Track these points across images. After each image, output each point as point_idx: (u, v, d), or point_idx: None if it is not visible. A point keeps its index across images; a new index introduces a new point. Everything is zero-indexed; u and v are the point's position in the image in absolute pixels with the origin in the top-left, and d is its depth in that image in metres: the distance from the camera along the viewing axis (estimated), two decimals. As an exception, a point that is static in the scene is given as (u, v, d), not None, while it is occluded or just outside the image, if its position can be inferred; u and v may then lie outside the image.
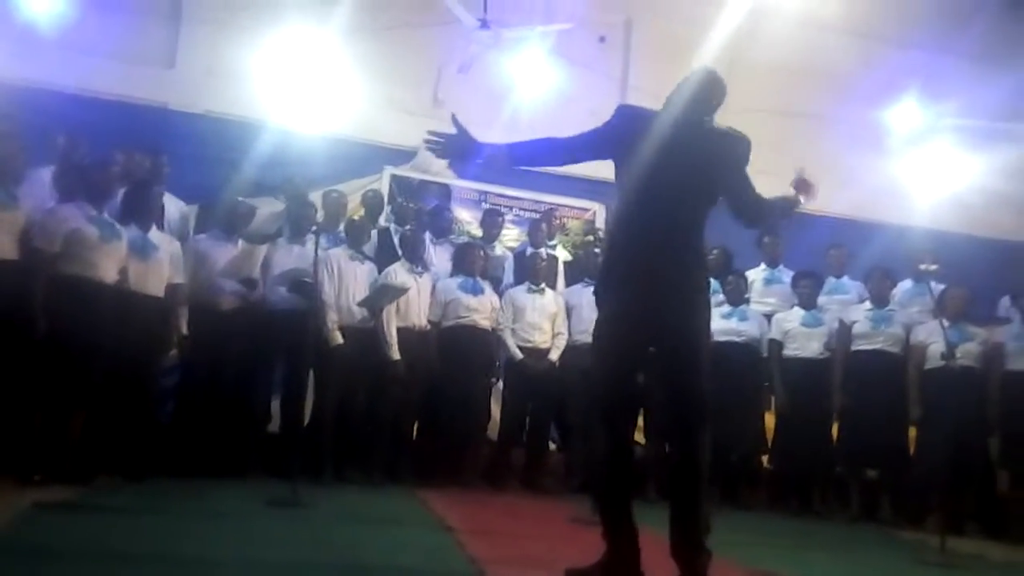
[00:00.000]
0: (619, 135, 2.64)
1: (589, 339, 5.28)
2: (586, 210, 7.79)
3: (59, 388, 3.82)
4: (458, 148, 2.65)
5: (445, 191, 7.31)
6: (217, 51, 6.72)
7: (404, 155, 7.30)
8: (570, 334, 5.61)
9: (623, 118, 2.69)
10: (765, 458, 5.60)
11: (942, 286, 5.43)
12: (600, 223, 7.47)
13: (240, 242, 5.04)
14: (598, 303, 2.74)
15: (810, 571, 3.09)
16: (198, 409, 4.71)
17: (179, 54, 6.78)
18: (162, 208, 4.88)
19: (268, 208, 5.78)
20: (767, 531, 4.65)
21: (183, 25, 6.76)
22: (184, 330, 4.61)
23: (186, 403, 4.78)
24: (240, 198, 5.31)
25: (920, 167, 6.64)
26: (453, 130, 2.65)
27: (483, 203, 7.34)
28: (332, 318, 5.03)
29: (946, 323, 5.16)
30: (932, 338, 5.21)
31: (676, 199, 2.58)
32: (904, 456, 5.28)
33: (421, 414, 5.34)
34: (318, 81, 6.68)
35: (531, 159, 2.88)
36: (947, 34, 6.72)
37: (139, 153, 5.07)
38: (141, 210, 4.36)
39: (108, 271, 4.06)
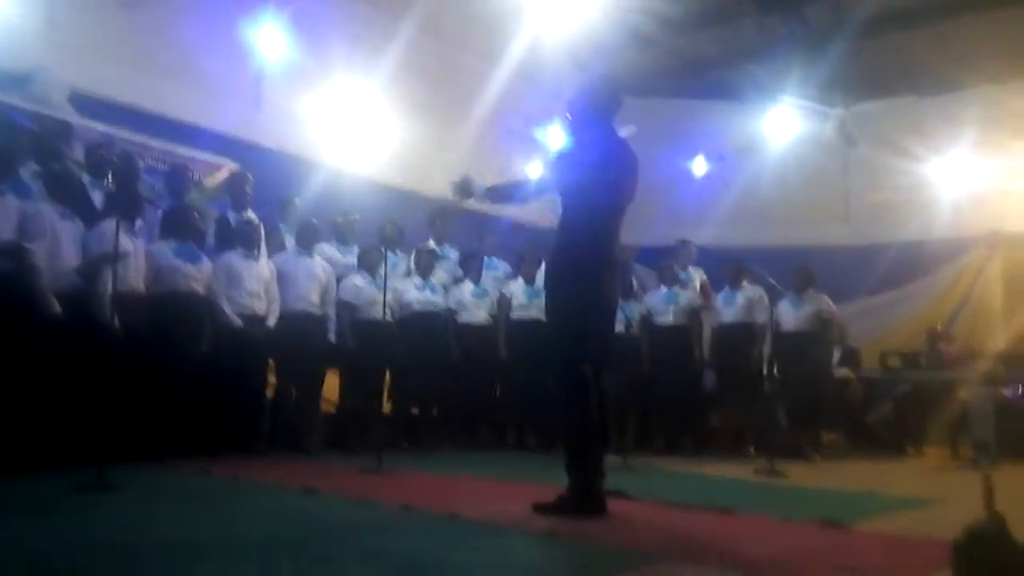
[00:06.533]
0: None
1: (302, 305, 5.74)
2: (219, 167, 7.37)
3: None
4: (471, 189, 3.77)
5: (64, 127, 6.21)
6: None
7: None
8: (284, 301, 5.79)
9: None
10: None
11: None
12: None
13: None
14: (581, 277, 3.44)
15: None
16: None
17: None
18: None
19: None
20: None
21: None
22: None
23: None
24: None
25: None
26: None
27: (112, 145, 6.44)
28: (47, 284, 4.40)
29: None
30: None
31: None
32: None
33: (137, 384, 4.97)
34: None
35: (510, 196, 4.03)
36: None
37: None
38: None
39: None
